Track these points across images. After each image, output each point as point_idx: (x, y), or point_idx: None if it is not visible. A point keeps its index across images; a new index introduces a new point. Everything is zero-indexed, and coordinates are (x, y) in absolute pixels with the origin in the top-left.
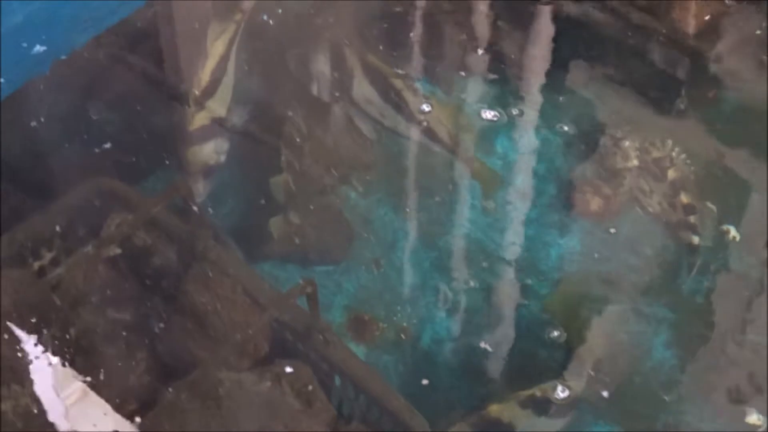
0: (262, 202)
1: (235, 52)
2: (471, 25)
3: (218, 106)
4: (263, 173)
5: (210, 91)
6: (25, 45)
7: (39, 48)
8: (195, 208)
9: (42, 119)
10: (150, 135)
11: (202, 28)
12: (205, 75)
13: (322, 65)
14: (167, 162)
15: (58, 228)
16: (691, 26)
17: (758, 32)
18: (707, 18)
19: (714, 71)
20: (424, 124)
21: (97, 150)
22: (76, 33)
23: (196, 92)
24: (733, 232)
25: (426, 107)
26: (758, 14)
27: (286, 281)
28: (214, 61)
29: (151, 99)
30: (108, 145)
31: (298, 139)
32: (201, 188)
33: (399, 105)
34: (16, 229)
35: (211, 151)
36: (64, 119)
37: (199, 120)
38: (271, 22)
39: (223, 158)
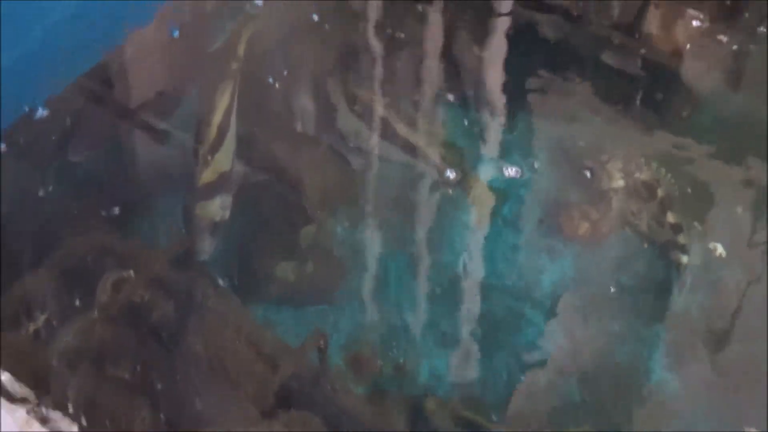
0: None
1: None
2: (450, 53)
3: (224, 161)
4: (265, 220)
5: (216, 145)
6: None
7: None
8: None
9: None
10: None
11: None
12: (212, 130)
13: (305, 100)
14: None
15: (51, 288)
16: (668, 45)
17: (734, 47)
18: (683, 37)
19: (692, 89)
20: (415, 148)
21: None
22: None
23: (205, 147)
24: (719, 249)
25: (415, 134)
26: (732, 31)
27: (281, 325)
28: (220, 114)
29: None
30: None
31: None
32: (207, 245)
33: (386, 132)
34: (10, 289)
35: (218, 207)
36: (50, 168)
37: (207, 176)
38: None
39: (227, 213)
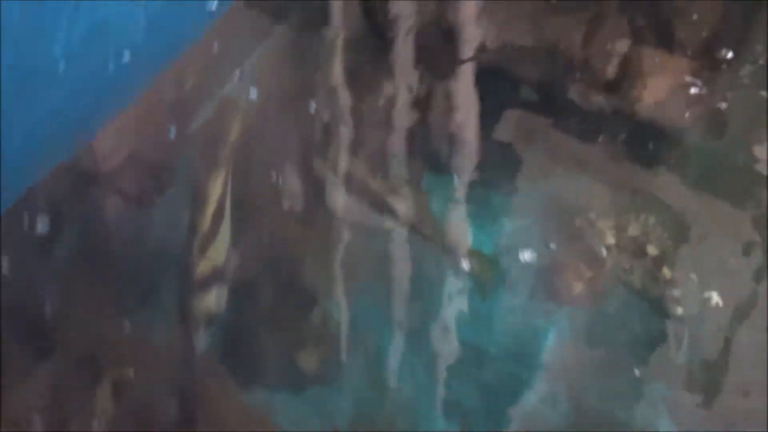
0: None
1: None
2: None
3: (218, 253)
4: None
5: (211, 237)
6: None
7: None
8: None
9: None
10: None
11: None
12: (206, 220)
13: (291, 180)
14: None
15: (49, 391)
16: (652, 101)
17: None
18: (668, 93)
19: (679, 142)
20: (408, 218)
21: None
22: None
23: (200, 239)
24: (715, 298)
25: (404, 203)
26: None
27: (280, 409)
28: (213, 204)
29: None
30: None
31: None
32: (202, 340)
33: (376, 203)
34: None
35: (214, 299)
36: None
37: (203, 269)
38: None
39: (223, 307)
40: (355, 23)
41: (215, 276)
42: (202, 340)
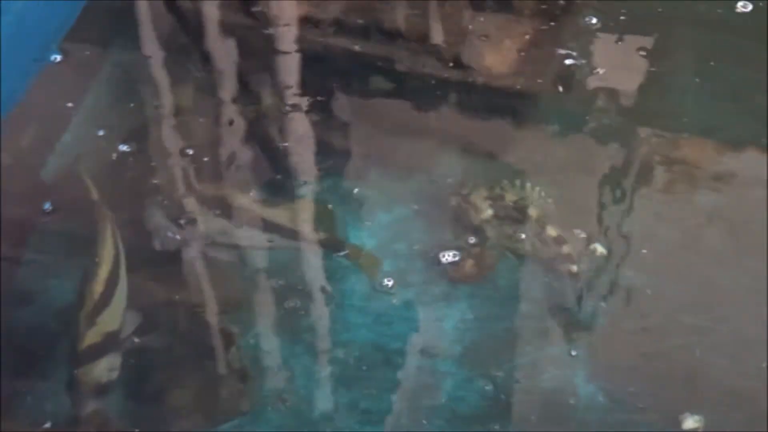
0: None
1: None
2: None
3: (111, 319)
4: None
5: (102, 305)
6: None
7: None
8: None
9: None
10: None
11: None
12: (97, 287)
13: (158, 218)
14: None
15: None
16: (504, 67)
17: (561, 52)
18: (518, 55)
19: (539, 103)
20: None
21: None
22: None
23: (88, 308)
24: (599, 248)
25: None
26: (558, 35)
27: None
28: (107, 267)
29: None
30: None
31: None
32: (89, 408)
33: (250, 220)
34: None
35: (103, 369)
36: None
37: (90, 338)
38: None
39: (115, 375)
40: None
41: (107, 343)
42: (90, 412)
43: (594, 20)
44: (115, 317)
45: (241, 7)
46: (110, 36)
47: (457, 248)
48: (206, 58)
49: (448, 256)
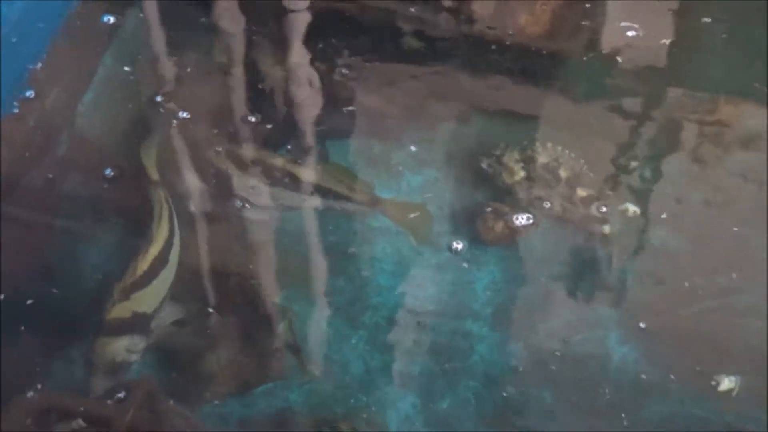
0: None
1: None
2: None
3: (147, 302)
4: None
5: (141, 284)
6: None
7: None
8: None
9: None
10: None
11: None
12: (143, 263)
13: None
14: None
15: None
16: (538, 27)
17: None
18: (552, 15)
19: (568, 65)
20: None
21: None
22: None
23: (126, 281)
24: (631, 208)
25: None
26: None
27: (230, 418)
28: (158, 247)
29: None
30: None
31: None
32: (100, 384)
33: (287, 181)
34: None
35: (122, 348)
36: None
37: (118, 311)
38: None
39: (134, 357)
40: None
41: (134, 323)
42: (98, 386)
43: None
44: (152, 301)
45: None
46: None
47: (488, 210)
48: (235, 20)
49: (479, 219)
